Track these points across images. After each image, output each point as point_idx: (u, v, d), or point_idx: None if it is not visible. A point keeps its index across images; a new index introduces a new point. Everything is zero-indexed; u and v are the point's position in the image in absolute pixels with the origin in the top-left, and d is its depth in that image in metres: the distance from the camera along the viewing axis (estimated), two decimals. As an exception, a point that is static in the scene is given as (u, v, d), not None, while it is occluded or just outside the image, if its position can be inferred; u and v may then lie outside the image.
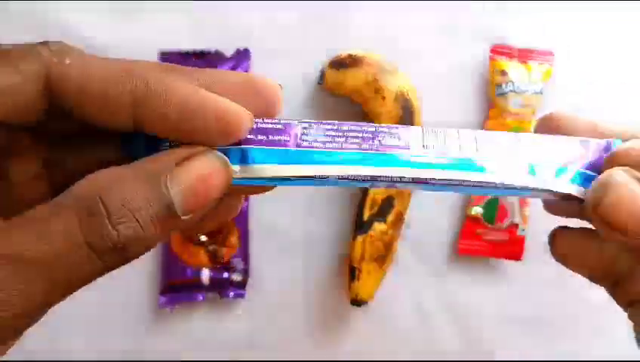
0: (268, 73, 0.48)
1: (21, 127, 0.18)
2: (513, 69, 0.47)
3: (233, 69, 0.46)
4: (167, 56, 0.46)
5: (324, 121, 0.21)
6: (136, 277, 0.47)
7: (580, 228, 0.22)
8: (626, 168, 0.19)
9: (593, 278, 0.23)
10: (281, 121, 0.21)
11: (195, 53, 0.46)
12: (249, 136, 0.20)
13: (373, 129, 0.21)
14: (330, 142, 0.21)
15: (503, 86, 0.47)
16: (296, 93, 0.47)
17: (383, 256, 0.45)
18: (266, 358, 0.48)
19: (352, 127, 0.21)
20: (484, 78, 0.48)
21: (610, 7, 0.48)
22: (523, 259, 0.48)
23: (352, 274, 0.45)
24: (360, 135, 0.21)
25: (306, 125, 0.21)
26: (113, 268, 0.17)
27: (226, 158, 0.19)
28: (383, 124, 0.22)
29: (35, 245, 0.15)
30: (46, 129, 0.18)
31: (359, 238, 0.45)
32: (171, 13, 0.46)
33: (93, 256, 0.16)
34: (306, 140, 0.21)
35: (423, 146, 0.21)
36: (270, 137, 0.20)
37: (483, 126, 0.48)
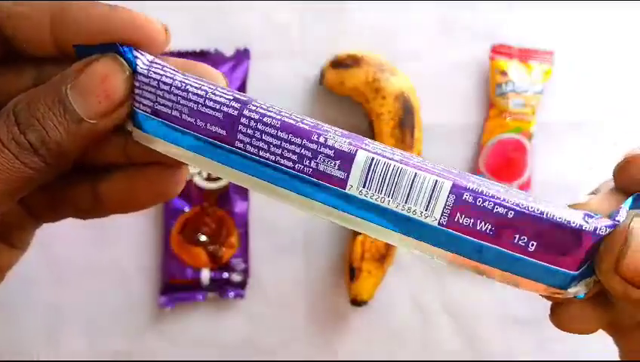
0: (268, 73, 0.48)
1: None
2: (513, 69, 0.47)
3: (233, 68, 0.46)
4: (166, 56, 0.45)
5: (270, 113, 0.19)
6: (136, 276, 0.47)
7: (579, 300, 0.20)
8: None
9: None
10: (225, 107, 0.19)
11: (194, 53, 0.46)
12: (163, 109, 0.19)
13: (315, 146, 0.18)
14: (265, 149, 0.19)
15: (503, 86, 0.47)
16: (296, 93, 0.47)
17: (383, 256, 0.45)
18: (266, 358, 0.48)
19: (294, 135, 0.18)
20: (484, 78, 0.48)
21: (610, 6, 0.48)
22: (523, 259, 0.48)
23: (352, 274, 0.45)
24: (299, 149, 0.18)
25: (250, 116, 0.19)
26: (41, 170, 0.19)
27: (123, 61, 0.19)
28: (331, 131, 0.19)
29: None
30: None
31: (359, 238, 0.45)
32: (171, 12, 0.46)
33: (11, 157, 0.18)
34: (241, 139, 0.19)
35: (364, 186, 0.18)
36: (200, 123, 0.19)
37: (483, 126, 0.48)
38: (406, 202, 0.17)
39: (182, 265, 0.46)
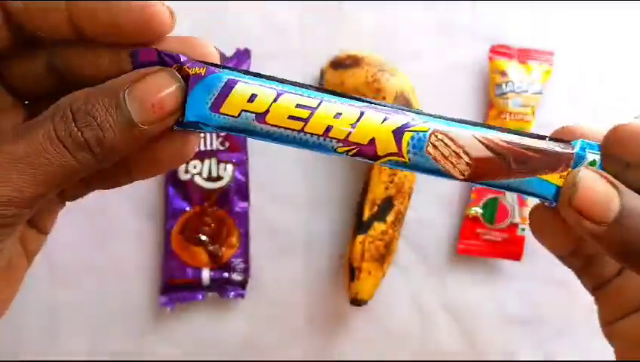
0: (268, 73, 0.48)
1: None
2: (513, 69, 0.47)
3: (233, 69, 0.46)
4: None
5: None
6: (136, 277, 0.47)
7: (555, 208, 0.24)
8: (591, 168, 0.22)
9: (564, 259, 0.26)
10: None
11: (195, 53, 0.46)
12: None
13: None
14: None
15: (503, 86, 0.47)
16: (296, 93, 0.47)
17: (383, 256, 0.45)
18: (266, 358, 0.48)
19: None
20: (484, 78, 0.48)
21: (610, 6, 0.48)
22: (523, 259, 0.48)
23: (352, 274, 0.45)
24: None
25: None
26: (89, 166, 0.20)
27: (179, 76, 0.21)
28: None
29: (22, 145, 0.19)
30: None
31: (359, 238, 0.45)
32: (171, 13, 0.46)
33: (65, 152, 0.20)
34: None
35: None
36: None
37: (483, 126, 0.48)
38: None
39: (182, 265, 0.46)
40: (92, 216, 0.47)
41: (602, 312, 0.27)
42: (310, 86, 0.22)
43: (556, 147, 0.22)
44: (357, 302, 0.45)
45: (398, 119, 0.22)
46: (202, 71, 0.21)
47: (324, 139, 0.21)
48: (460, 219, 0.49)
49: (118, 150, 0.20)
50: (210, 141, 0.47)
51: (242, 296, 0.47)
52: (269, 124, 0.21)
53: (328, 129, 0.21)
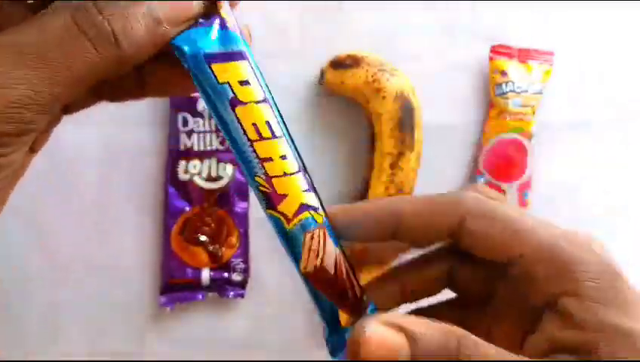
0: (268, 73, 0.48)
1: None
2: (513, 69, 0.47)
3: (233, 68, 0.46)
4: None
5: None
6: (137, 276, 0.47)
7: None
8: (380, 316, 0.22)
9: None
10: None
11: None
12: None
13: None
14: None
15: (503, 86, 0.47)
16: (296, 93, 0.47)
17: (383, 256, 0.45)
18: (266, 358, 0.48)
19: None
20: (484, 78, 0.48)
21: (610, 6, 0.48)
22: (523, 259, 0.48)
23: (352, 274, 0.45)
24: None
25: None
26: (111, 65, 0.18)
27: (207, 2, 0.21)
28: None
29: (35, 37, 0.17)
30: None
31: (359, 238, 0.45)
32: (171, 13, 0.46)
33: (87, 44, 0.17)
34: None
35: None
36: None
37: (483, 126, 0.48)
38: None
39: (182, 265, 0.46)
40: (92, 216, 0.47)
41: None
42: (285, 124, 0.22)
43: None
44: (357, 302, 0.45)
45: (314, 198, 0.23)
46: (231, 22, 0.22)
47: (257, 163, 0.21)
48: (460, 219, 0.49)
49: (142, 48, 0.19)
50: (210, 141, 0.47)
51: (242, 295, 0.47)
52: (235, 114, 0.21)
53: (267, 159, 0.21)
